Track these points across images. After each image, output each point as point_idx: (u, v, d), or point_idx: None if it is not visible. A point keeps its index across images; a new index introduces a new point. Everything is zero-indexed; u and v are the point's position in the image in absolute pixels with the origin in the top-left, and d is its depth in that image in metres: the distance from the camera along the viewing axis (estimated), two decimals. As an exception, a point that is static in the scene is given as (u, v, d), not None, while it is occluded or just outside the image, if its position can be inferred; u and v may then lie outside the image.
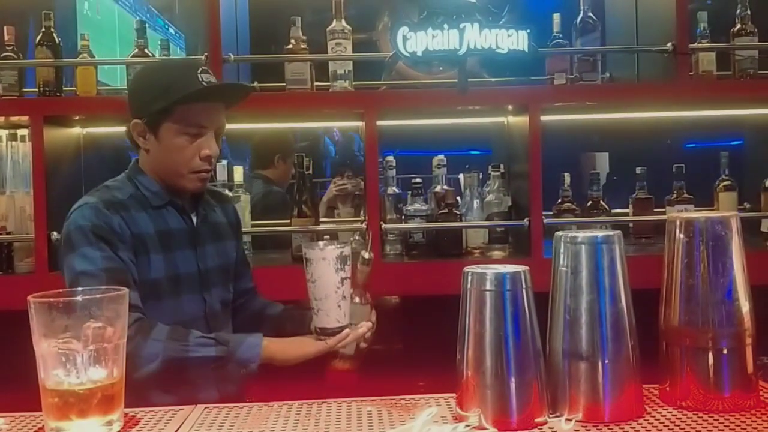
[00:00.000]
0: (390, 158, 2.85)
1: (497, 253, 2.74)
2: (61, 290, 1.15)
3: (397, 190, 2.85)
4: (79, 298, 1.12)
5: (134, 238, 1.69)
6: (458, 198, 2.85)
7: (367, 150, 2.57)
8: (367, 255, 1.73)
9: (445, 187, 2.82)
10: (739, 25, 2.76)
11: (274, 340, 1.65)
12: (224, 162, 2.99)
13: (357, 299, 1.71)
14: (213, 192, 2.00)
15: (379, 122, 2.58)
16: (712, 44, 2.77)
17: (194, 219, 1.83)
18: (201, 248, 1.80)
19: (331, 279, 1.58)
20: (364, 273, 1.72)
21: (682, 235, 1.25)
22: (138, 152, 1.82)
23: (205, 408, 1.30)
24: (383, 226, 2.60)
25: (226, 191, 2.68)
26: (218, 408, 1.30)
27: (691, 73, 2.70)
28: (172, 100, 1.69)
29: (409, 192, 2.78)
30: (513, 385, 1.16)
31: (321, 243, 1.64)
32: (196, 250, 1.79)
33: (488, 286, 1.17)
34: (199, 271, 1.78)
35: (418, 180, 2.79)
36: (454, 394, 1.23)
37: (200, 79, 1.71)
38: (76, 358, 1.11)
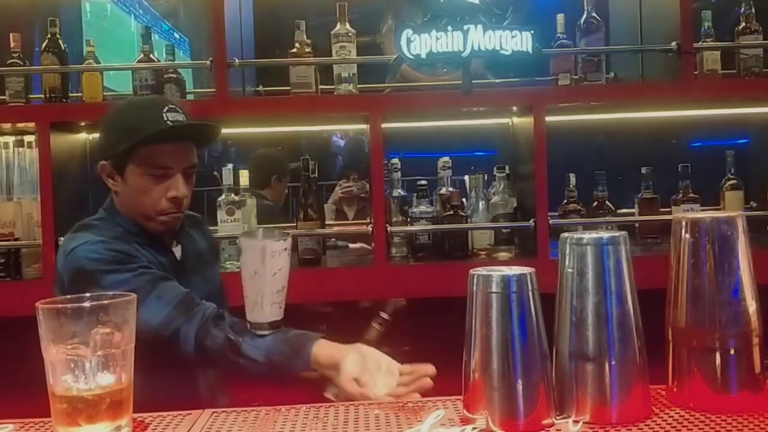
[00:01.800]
0: (395, 160, 2.85)
1: (503, 255, 2.74)
2: (69, 296, 1.15)
3: (402, 193, 2.86)
4: (86, 304, 1.13)
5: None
6: (464, 200, 2.86)
7: (372, 152, 2.58)
8: (385, 315, 1.75)
9: (451, 188, 2.83)
10: (743, 24, 2.76)
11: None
12: (230, 166, 3.01)
13: None
14: (187, 217, 1.90)
15: (383, 125, 2.59)
16: (717, 43, 2.77)
17: (177, 252, 1.80)
18: (186, 281, 1.75)
19: (281, 272, 1.51)
20: (376, 332, 1.76)
21: (687, 236, 1.25)
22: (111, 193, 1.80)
23: (213, 413, 1.30)
24: (389, 228, 2.60)
25: (232, 196, 2.68)
26: (226, 412, 1.30)
27: (695, 73, 2.71)
28: (133, 141, 1.66)
29: (415, 194, 2.78)
30: (520, 387, 1.16)
31: (260, 232, 1.57)
32: (181, 283, 1.72)
33: (494, 289, 1.17)
34: None
35: (424, 182, 2.79)
36: (461, 397, 1.23)
37: (165, 119, 1.66)
38: (84, 363, 1.11)
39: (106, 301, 1.14)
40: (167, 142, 1.69)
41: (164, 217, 1.72)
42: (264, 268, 1.49)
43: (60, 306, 1.12)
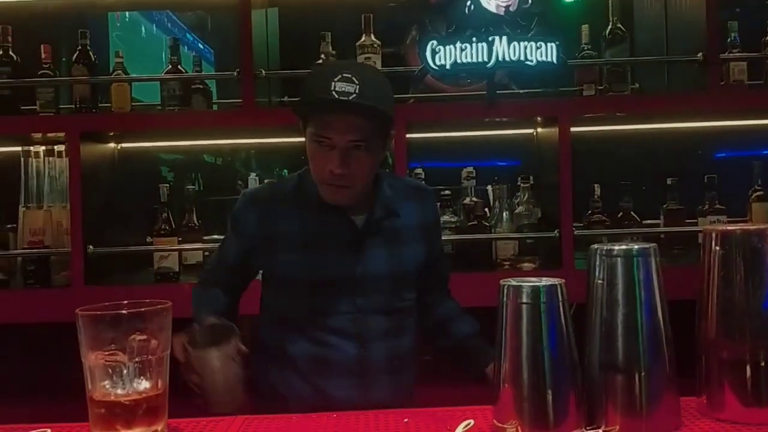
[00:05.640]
0: (418, 170, 2.86)
1: (527, 265, 2.73)
2: (107, 303, 1.18)
3: (426, 202, 2.86)
4: (124, 311, 1.15)
5: (265, 236, 1.69)
6: (487, 210, 2.86)
7: (395, 162, 2.59)
8: None
9: (474, 198, 2.83)
10: (770, 34, 2.75)
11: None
12: (253, 175, 3.04)
13: None
14: (409, 189, 1.83)
15: (407, 135, 2.60)
16: (743, 53, 2.75)
17: (357, 221, 1.70)
18: (363, 251, 1.68)
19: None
20: None
21: (717, 248, 1.25)
22: None
23: (246, 419, 1.32)
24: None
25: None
26: (259, 419, 1.32)
27: (722, 83, 2.69)
28: (296, 109, 1.67)
29: (438, 204, 2.78)
30: (550, 398, 1.17)
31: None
32: (357, 252, 1.67)
33: (524, 299, 1.18)
34: (355, 275, 1.67)
35: (447, 192, 2.80)
36: (490, 406, 1.24)
37: (331, 87, 1.54)
38: (122, 370, 1.14)
39: (143, 309, 1.16)
40: (328, 113, 1.60)
41: (327, 186, 1.65)
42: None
43: (99, 313, 1.14)
